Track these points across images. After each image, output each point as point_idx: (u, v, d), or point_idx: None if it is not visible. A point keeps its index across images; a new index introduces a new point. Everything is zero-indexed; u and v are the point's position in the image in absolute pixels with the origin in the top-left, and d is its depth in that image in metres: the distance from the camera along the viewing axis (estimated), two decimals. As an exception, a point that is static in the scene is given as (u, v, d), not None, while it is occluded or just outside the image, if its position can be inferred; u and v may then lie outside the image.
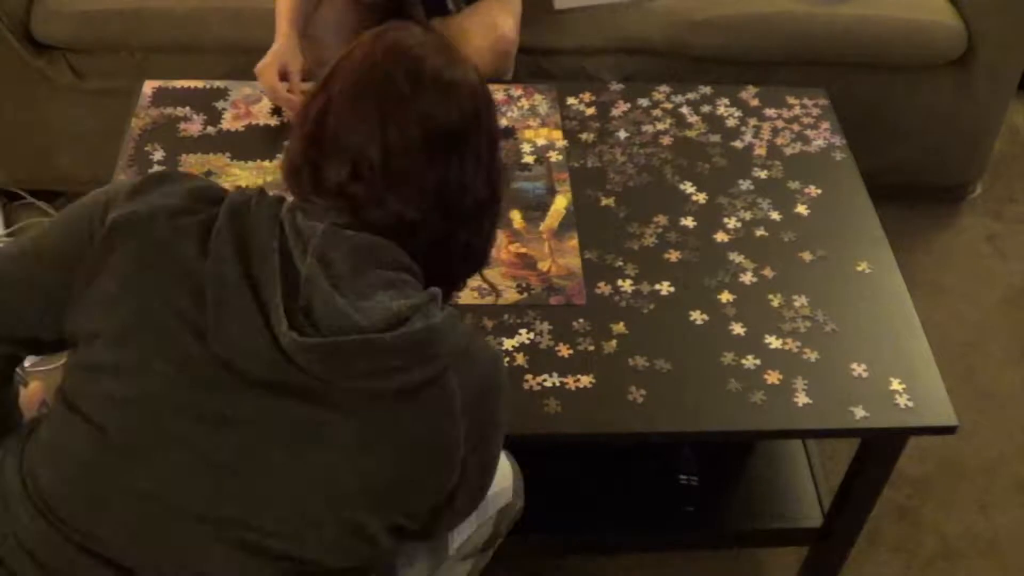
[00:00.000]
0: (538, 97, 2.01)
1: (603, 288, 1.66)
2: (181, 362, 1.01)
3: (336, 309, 0.98)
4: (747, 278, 1.69)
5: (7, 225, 2.43)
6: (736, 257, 1.72)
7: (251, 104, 1.94)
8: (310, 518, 1.03)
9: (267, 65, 1.87)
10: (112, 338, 1.03)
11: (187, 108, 1.92)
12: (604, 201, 1.81)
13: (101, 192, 1.10)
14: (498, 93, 2.00)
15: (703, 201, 1.82)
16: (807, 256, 1.74)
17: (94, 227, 1.06)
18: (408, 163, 1.05)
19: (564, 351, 1.56)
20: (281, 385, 1.00)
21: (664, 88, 2.04)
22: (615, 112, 1.99)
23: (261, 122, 1.91)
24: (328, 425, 1.01)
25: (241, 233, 1.02)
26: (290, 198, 1.09)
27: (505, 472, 1.40)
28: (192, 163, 1.82)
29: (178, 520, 1.02)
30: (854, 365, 1.57)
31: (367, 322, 0.98)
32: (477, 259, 1.18)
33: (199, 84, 1.97)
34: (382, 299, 1.01)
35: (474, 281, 1.63)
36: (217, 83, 1.98)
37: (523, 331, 1.58)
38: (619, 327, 1.60)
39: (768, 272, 1.70)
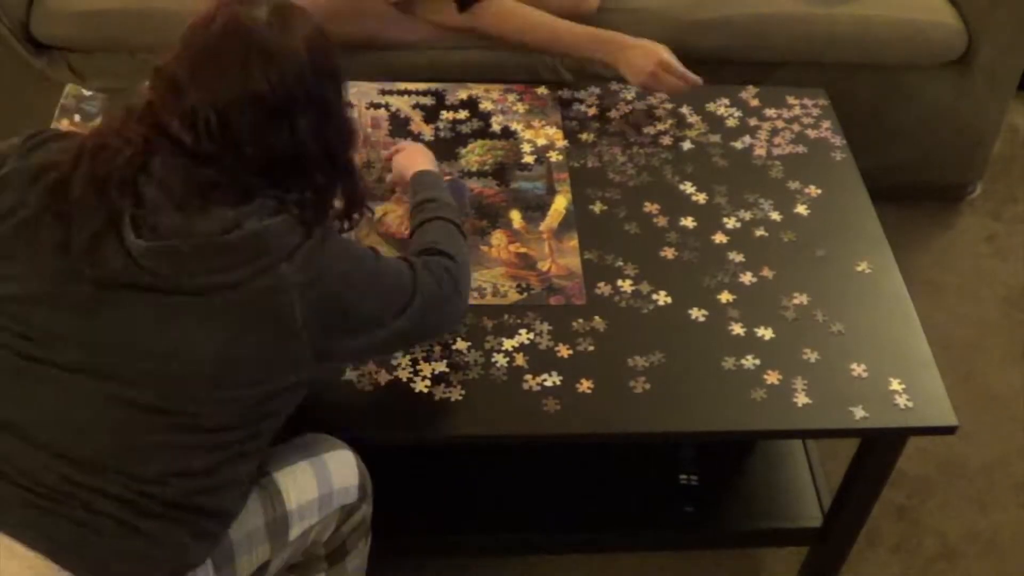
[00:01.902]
0: (538, 97, 2.01)
1: (603, 288, 1.66)
2: (52, 274, 1.19)
3: (176, 221, 1.18)
4: (747, 278, 1.69)
5: (7, 225, 2.43)
6: (736, 257, 1.72)
7: (251, 104, 1.94)
8: (175, 375, 1.19)
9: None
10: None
11: (187, 108, 1.92)
12: (604, 201, 1.81)
13: None
14: (488, 92, 2.01)
15: (703, 201, 1.82)
16: (807, 256, 1.74)
17: None
18: (240, 127, 1.19)
19: (564, 351, 1.56)
20: (136, 285, 1.18)
21: (664, 88, 2.05)
22: (615, 112, 1.99)
23: (261, 122, 1.91)
24: (180, 308, 1.19)
25: (96, 170, 1.19)
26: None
27: (350, 471, 1.42)
28: (192, 163, 1.82)
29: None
30: (854, 365, 1.57)
31: (204, 228, 1.17)
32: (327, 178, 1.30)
33: (199, 84, 1.97)
34: (219, 212, 1.19)
35: (474, 282, 1.63)
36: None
37: (523, 331, 1.58)
38: (619, 327, 1.60)
39: (768, 272, 1.70)
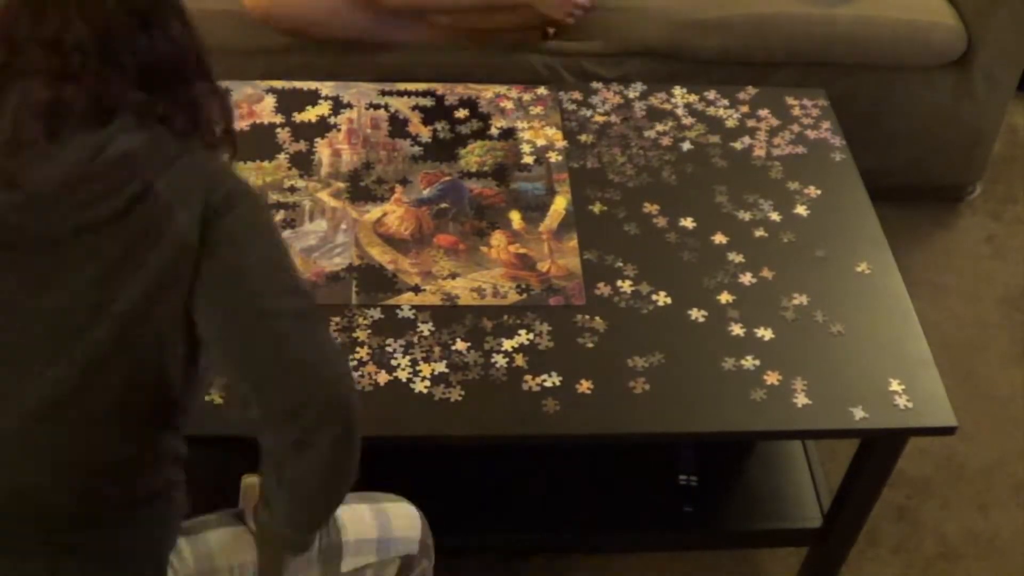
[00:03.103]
0: (538, 97, 2.01)
1: (602, 288, 1.66)
2: None
3: (33, 164, 1.07)
4: (746, 278, 1.69)
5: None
6: (736, 257, 1.72)
7: (254, 104, 1.95)
8: (48, 357, 1.09)
9: None
10: None
11: (187, 109, 1.92)
12: (604, 201, 1.81)
13: None
14: (488, 92, 2.01)
15: (703, 201, 1.82)
16: (807, 256, 1.74)
17: None
18: (115, 36, 1.10)
19: (564, 352, 1.56)
20: (6, 244, 1.10)
21: (664, 89, 2.05)
22: (615, 112, 1.99)
23: (265, 121, 1.91)
24: (55, 270, 1.09)
25: None
26: None
27: (411, 524, 1.40)
28: (192, 164, 1.82)
29: None
30: (854, 365, 1.57)
31: (63, 163, 1.07)
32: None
33: (199, 85, 1.97)
34: (80, 139, 1.08)
35: (473, 282, 1.64)
36: (218, 84, 1.97)
37: (522, 332, 1.58)
38: (618, 327, 1.60)
39: (767, 273, 1.70)
